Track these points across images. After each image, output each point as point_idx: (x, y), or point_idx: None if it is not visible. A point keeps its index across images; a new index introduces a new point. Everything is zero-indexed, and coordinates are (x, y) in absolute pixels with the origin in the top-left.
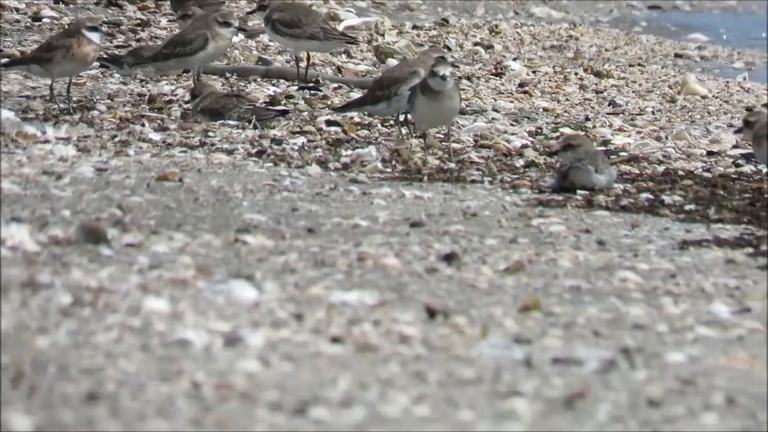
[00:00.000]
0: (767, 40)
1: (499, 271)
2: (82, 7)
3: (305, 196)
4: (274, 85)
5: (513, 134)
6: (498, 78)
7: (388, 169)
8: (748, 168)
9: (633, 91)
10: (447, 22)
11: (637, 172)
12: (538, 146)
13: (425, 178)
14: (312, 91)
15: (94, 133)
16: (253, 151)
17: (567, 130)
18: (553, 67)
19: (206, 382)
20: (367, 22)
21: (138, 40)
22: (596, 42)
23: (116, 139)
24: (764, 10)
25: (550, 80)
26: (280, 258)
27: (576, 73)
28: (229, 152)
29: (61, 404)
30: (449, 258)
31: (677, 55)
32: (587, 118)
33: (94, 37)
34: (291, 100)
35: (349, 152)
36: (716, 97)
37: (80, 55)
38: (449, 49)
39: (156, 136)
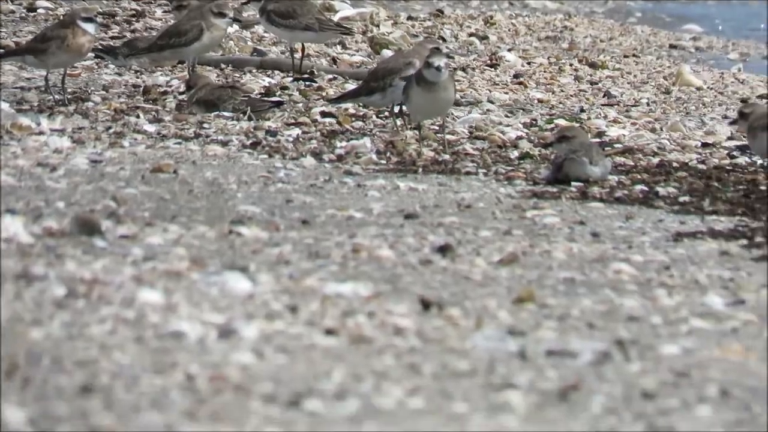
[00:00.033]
0: (767, 31)
1: (494, 263)
2: None
3: (300, 187)
4: (269, 76)
5: (508, 126)
6: (493, 69)
7: (383, 161)
8: (742, 160)
9: (628, 83)
10: (442, 12)
11: (632, 163)
12: (532, 138)
13: (420, 169)
14: (307, 83)
15: (88, 124)
16: (248, 142)
17: (562, 122)
18: (548, 58)
19: (200, 374)
20: (362, 13)
21: (133, 31)
22: (591, 33)
23: (111, 131)
24: (759, 1)
25: (545, 71)
26: (275, 250)
27: (571, 64)
28: (224, 144)
29: (55, 396)
30: (443, 250)
31: (672, 46)
32: (582, 110)
33: (89, 28)
34: (286, 92)
35: (344, 144)
36: (711, 89)
37: (75, 46)
38: (444, 40)
39: (151, 128)
